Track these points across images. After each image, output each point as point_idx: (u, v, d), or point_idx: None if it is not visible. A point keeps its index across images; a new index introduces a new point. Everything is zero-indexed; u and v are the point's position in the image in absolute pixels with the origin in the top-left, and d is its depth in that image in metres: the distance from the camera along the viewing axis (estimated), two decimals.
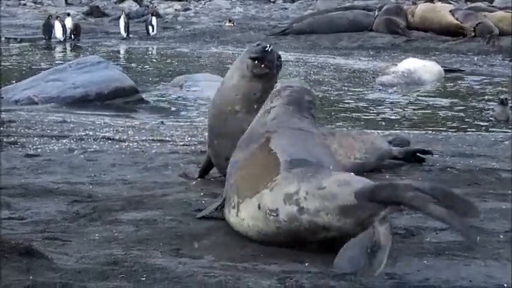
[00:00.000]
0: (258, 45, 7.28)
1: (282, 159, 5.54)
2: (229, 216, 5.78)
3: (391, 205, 4.85)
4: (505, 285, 4.76)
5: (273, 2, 53.42)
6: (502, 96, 15.13)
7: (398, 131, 12.25)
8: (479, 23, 28.60)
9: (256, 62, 7.08)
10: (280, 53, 7.49)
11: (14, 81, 18.03)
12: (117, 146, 9.75)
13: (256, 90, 7.00)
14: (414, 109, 16.33)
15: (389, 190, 4.87)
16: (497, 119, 14.47)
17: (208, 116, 7.70)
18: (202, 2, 53.58)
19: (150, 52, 30.50)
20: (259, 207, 5.41)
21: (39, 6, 53.70)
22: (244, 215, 5.56)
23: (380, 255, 4.71)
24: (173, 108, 16.50)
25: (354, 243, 4.84)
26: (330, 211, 5.03)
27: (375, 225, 4.81)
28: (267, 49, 7.06)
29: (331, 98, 17.78)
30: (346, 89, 19.32)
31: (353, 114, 15.69)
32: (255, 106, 6.89)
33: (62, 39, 33.42)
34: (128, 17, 37.68)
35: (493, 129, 13.44)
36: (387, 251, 4.73)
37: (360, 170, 8.03)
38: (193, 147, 9.73)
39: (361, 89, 19.24)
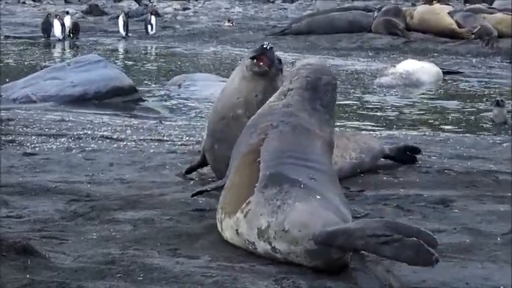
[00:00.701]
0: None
1: (261, 173, 5.48)
2: (218, 225, 5.74)
3: (349, 251, 4.78)
4: (502, 287, 4.77)
5: (272, 2, 53.51)
6: (498, 98, 15.15)
7: (396, 132, 12.25)
8: (479, 27, 28.60)
9: (255, 60, 7.01)
10: (279, 53, 7.48)
11: (12, 80, 18.01)
12: (115, 145, 9.74)
13: (258, 91, 6.88)
14: (412, 111, 16.34)
15: (344, 238, 4.72)
16: (494, 121, 14.47)
17: (209, 122, 7.57)
18: (202, 2, 53.65)
19: (149, 51, 30.51)
20: (237, 233, 5.39)
21: (38, 4, 53.81)
22: (227, 236, 5.55)
23: None
24: (171, 108, 16.51)
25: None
26: (298, 254, 4.98)
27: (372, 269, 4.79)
28: (265, 46, 7.00)
29: None
30: (344, 90, 19.31)
31: (352, 115, 15.69)
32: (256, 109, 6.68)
33: (60, 37, 33.44)
34: (127, 15, 37.73)
35: (491, 131, 13.44)
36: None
37: (356, 169, 8.05)
38: (191, 147, 9.72)
39: (360, 90, 19.26)
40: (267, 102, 6.31)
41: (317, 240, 4.83)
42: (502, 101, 14.76)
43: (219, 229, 5.68)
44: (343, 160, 7.96)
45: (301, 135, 5.86)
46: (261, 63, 6.99)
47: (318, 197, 5.24)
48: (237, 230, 5.38)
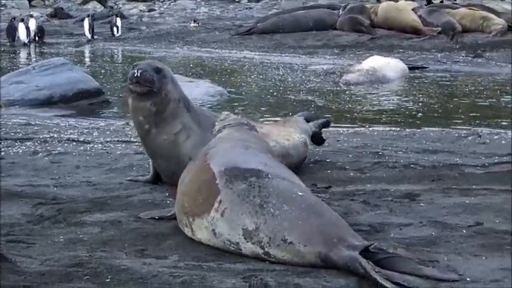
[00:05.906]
0: (133, 68, 7.48)
1: (215, 170, 5.56)
2: (185, 232, 5.73)
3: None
4: (468, 279, 4.81)
5: (238, 2, 53.42)
6: None
7: (362, 128, 12.31)
8: (440, 28, 28.72)
9: (133, 86, 7.29)
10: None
11: None
12: (81, 148, 9.71)
13: (149, 106, 7.29)
14: (378, 107, 16.41)
15: (347, 265, 4.87)
16: None
17: None
18: (167, 3, 53.46)
19: (115, 53, 30.40)
20: (214, 234, 5.36)
21: (2, 8, 53.30)
22: (201, 237, 5.53)
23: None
24: None
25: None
26: (299, 264, 5.04)
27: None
28: (136, 74, 7.25)
29: (294, 97, 17.83)
30: (310, 87, 19.35)
31: (318, 112, 15.72)
32: (158, 119, 7.31)
33: (26, 41, 33.21)
34: (93, 18, 37.49)
35: (457, 125, 13.53)
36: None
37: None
38: None
39: (326, 87, 19.28)
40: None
41: (324, 260, 4.96)
42: None
43: (189, 234, 5.64)
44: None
45: (241, 140, 6.22)
46: (141, 86, 7.26)
47: (300, 193, 5.33)
48: (213, 230, 5.36)
